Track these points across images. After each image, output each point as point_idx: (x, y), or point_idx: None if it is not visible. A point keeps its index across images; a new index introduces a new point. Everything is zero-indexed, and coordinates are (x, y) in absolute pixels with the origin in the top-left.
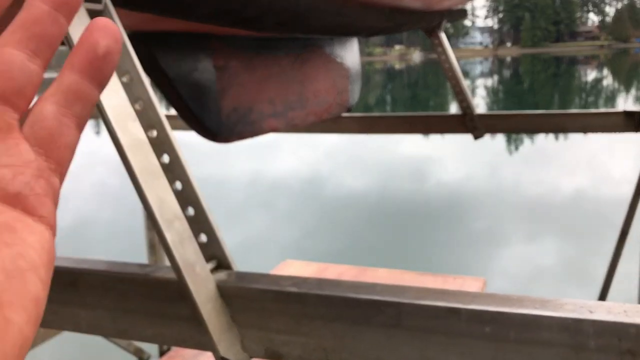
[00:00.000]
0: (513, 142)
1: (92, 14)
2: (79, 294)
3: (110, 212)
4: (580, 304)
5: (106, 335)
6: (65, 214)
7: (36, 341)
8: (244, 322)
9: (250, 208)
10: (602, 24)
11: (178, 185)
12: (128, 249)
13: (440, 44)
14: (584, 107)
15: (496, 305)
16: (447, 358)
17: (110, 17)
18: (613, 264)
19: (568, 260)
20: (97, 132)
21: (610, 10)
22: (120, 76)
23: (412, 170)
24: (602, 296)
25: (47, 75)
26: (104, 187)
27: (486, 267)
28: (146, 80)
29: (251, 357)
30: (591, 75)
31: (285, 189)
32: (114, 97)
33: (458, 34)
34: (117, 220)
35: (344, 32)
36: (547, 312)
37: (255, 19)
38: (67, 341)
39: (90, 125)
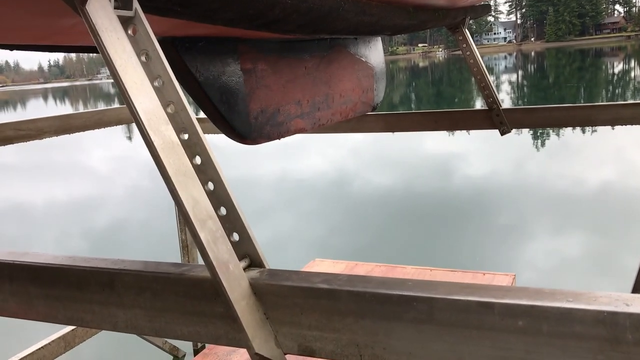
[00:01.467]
0: (539, 137)
1: (123, 20)
2: (116, 294)
3: (144, 215)
4: (615, 297)
5: (143, 334)
6: (101, 217)
7: (75, 341)
8: (277, 318)
9: (278, 207)
10: (628, 15)
11: (210, 186)
12: (161, 250)
13: (465, 40)
14: (612, 100)
15: (529, 298)
16: (480, 352)
17: (141, 23)
18: None
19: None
20: (129, 137)
21: (636, 0)
22: (152, 81)
23: (439, 167)
24: (637, 285)
25: (68, 83)
26: (138, 190)
27: (514, 261)
28: (177, 84)
29: (285, 353)
30: (618, 67)
31: (312, 188)
32: (146, 101)
33: (481, 30)
34: (151, 222)
35: (369, 31)
36: (581, 305)
37: (281, 21)
38: (104, 340)
39: (122, 131)
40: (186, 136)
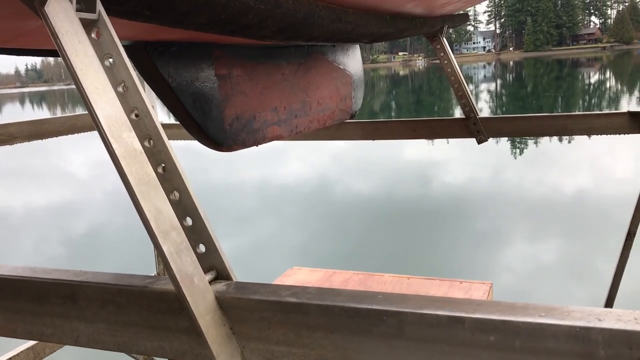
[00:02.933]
0: (517, 147)
1: (85, 24)
2: (78, 307)
3: (122, 221)
4: (587, 312)
5: (105, 349)
6: (79, 224)
7: (45, 351)
8: (243, 333)
9: (258, 214)
10: (604, 27)
11: (176, 195)
12: (136, 259)
13: (443, 49)
14: (588, 109)
15: (501, 313)
16: None
17: (105, 27)
18: (620, 267)
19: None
20: None
21: (611, 13)
22: (115, 86)
23: (419, 174)
24: (610, 299)
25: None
26: (117, 196)
27: (491, 267)
28: (142, 90)
29: None
30: (594, 77)
31: (293, 194)
32: (108, 107)
33: (461, 39)
34: (129, 229)
35: (346, 38)
36: (554, 320)
37: (255, 26)
38: (74, 351)
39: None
40: (150, 143)
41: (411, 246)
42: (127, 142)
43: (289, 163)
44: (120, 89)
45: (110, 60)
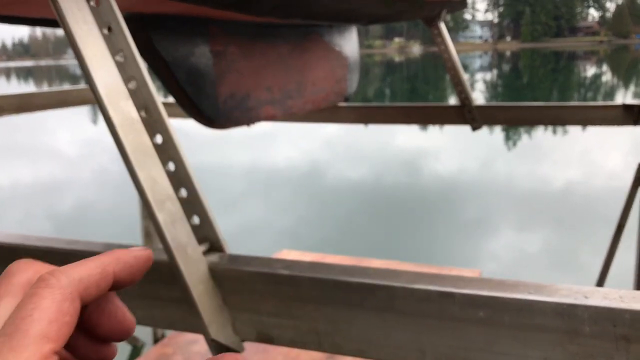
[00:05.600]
0: (511, 138)
1: None
2: None
3: (110, 200)
4: (575, 289)
5: None
6: (65, 201)
7: None
8: (235, 304)
9: (247, 197)
10: (603, 20)
11: (171, 166)
12: (124, 236)
13: (440, 35)
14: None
15: (490, 289)
16: (440, 342)
17: None
18: (609, 257)
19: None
20: (95, 122)
21: (610, 6)
22: (113, 55)
23: (410, 162)
24: (600, 284)
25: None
26: (105, 174)
27: (479, 255)
28: (140, 60)
29: (243, 340)
30: (590, 71)
31: (283, 179)
32: (106, 75)
33: (458, 27)
34: (116, 207)
35: (344, 18)
36: (542, 297)
37: (252, 1)
38: None
39: (88, 114)
40: (147, 114)
41: (402, 232)
42: (125, 110)
43: (279, 147)
44: (118, 58)
45: (109, 28)
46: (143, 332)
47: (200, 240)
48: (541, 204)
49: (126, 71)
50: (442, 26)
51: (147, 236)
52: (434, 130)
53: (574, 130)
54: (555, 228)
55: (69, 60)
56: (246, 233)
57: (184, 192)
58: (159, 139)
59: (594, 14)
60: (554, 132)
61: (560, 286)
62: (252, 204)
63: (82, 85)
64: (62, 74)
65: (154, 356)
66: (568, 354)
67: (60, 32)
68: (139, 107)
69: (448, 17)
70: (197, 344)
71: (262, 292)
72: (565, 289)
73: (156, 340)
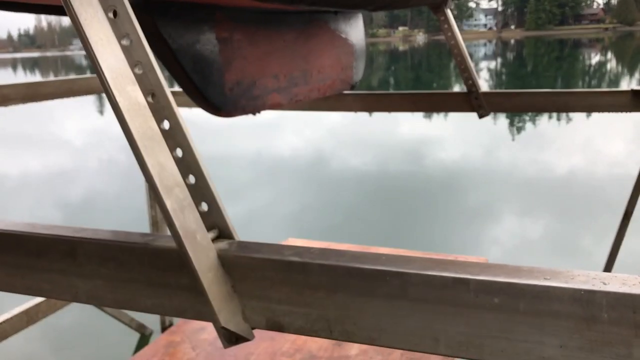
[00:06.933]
0: (514, 125)
1: None
2: (77, 263)
3: (117, 188)
4: (592, 275)
5: (104, 305)
6: (73, 190)
7: (38, 316)
8: (245, 292)
9: (253, 185)
10: (608, 7)
11: (179, 152)
12: (131, 225)
13: (447, 21)
14: None
15: (506, 275)
16: (454, 330)
17: None
18: (616, 245)
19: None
20: (101, 112)
21: None
22: (119, 39)
23: (415, 150)
24: (607, 269)
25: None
26: (112, 163)
27: (483, 242)
28: (146, 44)
29: (252, 328)
30: (595, 58)
31: (288, 167)
32: (112, 59)
33: (462, 15)
34: (123, 196)
35: (350, 4)
36: (558, 283)
37: None
38: (69, 317)
39: (94, 104)
40: (154, 99)
41: (407, 220)
42: (131, 95)
43: (284, 136)
44: (124, 42)
45: (114, 12)
46: (151, 320)
47: (208, 227)
48: (545, 191)
49: (132, 56)
50: (449, 12)
51: (154, 225)
52: (438, 118)
53: (579, 117)
54: (560, 215)
55: (74, 51)
56: (251, 222)
57: (191, 179)
58: (166, 124)
59: (599, 0)
60: (558, 118)
61: (576, 272)
62: (257, 193)
63: (89, 75)
64: (68, 64)
65: (162, 344)
66: (585, 341)
67: (65, 22)
68: (145, 92)
69: (452, 5)
70: (204, 331)
71: (272, 279)
72: (582, 275)
73: (164, 328)
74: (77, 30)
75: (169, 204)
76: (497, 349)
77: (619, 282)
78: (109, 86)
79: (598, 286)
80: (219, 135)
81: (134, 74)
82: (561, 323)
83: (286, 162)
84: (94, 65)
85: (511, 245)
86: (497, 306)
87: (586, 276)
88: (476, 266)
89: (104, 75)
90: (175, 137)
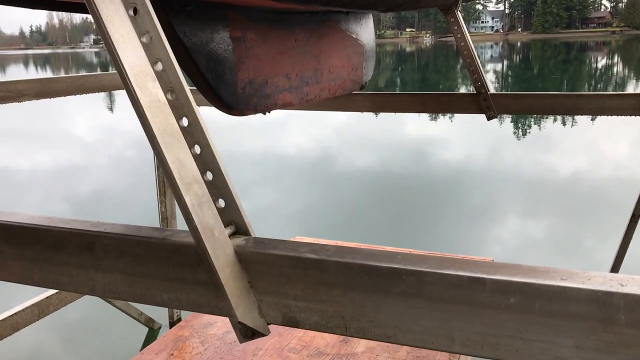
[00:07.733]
0: (520, 127)
1: None
2: (95, 257)
3: (127, 184)
4: (609, 277)
5: (121, 299)
6: (83, 186)
7: (49, 309)
8: (261, 287)
9: (260, 183)
10: (615, 11)
11: (197, 149)
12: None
13: (457, 23)
14: None
15: (522, 275)
16: (470, 329)
17: None
18: (623, 247)
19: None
20: (111, 109)
21: None
22: (140, 36)
23: (421, 151)
24: (614, 269)
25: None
26: (121, 159)
27: (486, 242)
28: (166, 42)
29: (269, 323)
30: (602, 62)
31: (294, 166)
32: (133, 55)
33: (469, 18)
34: (133, 191)
35: (363, 4)
36: (575, 284)
37: None
38: (78, 310)
39: (104, 101)
40: (174, 96)
41: (412, 220)
42: (152, 92)
43: (290, 135)
44: (144, 40)
45: (134, 9)
46: (159, 315)
47: (225, 224)
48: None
49: (152, 53)
50: (459, 15)
51: (163, 220)
52: (444, 120)
53: (584, 122)
54: (564, 216)
55: (85, 49)
56: (257, 220)
57: (209, 175)
58: (185, 121)
59: (606, 4)
60: (563, 122)
61: (592, 273)
62: (263, 191)
63: (99, 72)
64: (79, 61)
65: (171, 338)
66: (602, 343)
67: (76, 19)
68: (165, 89)
69: (462, 5)
70: (213, 326)
71: (288, 275)
72: (598, 276)
73: (172, 323)
74: (99, 28)
75: (187, 200)
76: (512, 348)
77: (637, 284)
78: (130, 83)
79: (615, 287)
80: (225, 134)
81: (154, 71)
82: (577, 324)
83: (292, 161)
84: (115, 62)
85: (514, 245)
86: (513, 306)
87: (603, 277)
88: (492, 266)
89: (126, 72)
90: (193, 134)
